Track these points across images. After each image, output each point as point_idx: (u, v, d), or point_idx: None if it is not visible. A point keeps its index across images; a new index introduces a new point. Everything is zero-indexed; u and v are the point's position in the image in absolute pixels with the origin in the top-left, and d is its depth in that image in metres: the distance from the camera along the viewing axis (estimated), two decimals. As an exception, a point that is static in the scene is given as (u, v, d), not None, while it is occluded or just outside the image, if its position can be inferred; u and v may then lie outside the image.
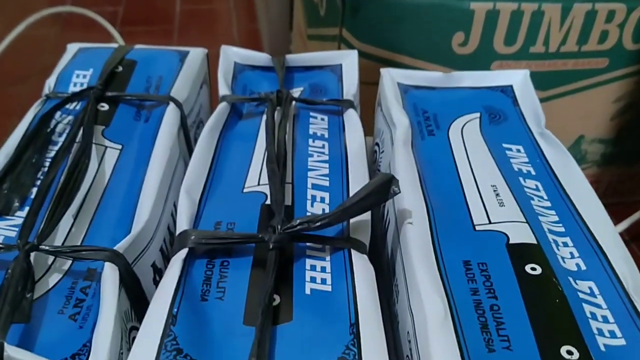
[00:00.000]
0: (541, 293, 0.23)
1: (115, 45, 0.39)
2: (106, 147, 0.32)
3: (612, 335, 0.22)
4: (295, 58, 0.38)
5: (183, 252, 0.25)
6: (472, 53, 0.50)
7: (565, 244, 0.26)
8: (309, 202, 0.28)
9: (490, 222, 0.27)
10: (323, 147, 0.32)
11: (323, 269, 0.25)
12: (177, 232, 0.26)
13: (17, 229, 0.27)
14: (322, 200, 0.28)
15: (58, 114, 0.33)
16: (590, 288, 0.24)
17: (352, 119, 0.34)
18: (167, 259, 0.30)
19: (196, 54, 0.39)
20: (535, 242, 0.25)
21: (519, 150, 0.32)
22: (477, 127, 0.33)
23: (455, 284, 0.24)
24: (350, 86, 0.36)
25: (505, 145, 0.32)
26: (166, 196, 0.30)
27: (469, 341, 0.22)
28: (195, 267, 0.25)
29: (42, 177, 0.30)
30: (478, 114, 0.34)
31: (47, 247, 0.25)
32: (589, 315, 0.23)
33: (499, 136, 0.32)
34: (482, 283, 0.24)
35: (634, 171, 0.60)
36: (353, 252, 0.26)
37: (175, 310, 0.23)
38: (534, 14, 0.48)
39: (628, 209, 0.58)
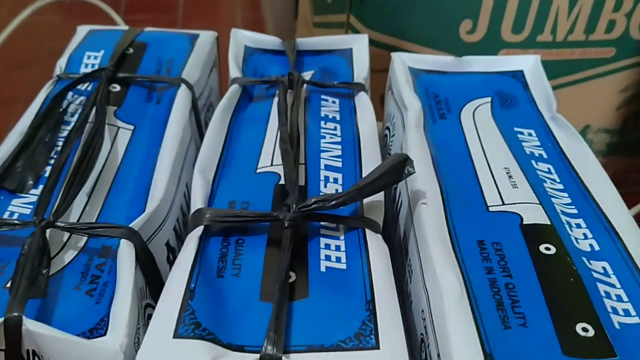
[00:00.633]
0: (556, 272, 0.23)
1: (125, 27, 0.39)
2: (118, 127, 0.32)
3: (627, 313, 0.22)
4: (306, 42, 0.38)
5: (199, 230, 0.25)
6: (480, 41, 0.50)
7: (579, 225, 0.26)
8: (322, 183, 0.28)
9: (503, 203, 0.27)
10: (335, 129, 0.32)
11: (338, 248, 0.25)
12: (192, 211, 0.26)
13: (31, 207, 0.27)
14: (335, 180, 0.29)
15: (70, 94, 0.33)
16: (604, 268, 0.24)
17: (363, 102, 0.34)
18: (180, 238, 0.30)
19: (206, 37, 0.39)
20: (549, 222, 0.26)
21: (530, 134, 0.32)
22: (489, 111, 0.33)
23: (470, 263, 0.24)
24: (361, 70, 0.36)
25: (516, 129, 0.32)
26: (179, 176, 0.30)
27: (485, 318, 0.22)
28: (211, 245, 0.25)
29: (55, 156, 0.30)
30: (489, 99, 0.34)
31: (62, 224, 0.25)
32: (603, 294, 0.23)
33: (510, 120, 0.33)
34: (496, 262, 0.24)
35: (638, 161, 0.61)
36: (367, 231, 0.26)
37: (193, 285, 0.23)
38: (542, 2, 0.48)
39: (633, 199, 0.58)
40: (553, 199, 0.27)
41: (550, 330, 0.21)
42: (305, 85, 0.34)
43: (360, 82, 0.35)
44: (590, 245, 0.25)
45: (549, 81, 0.35)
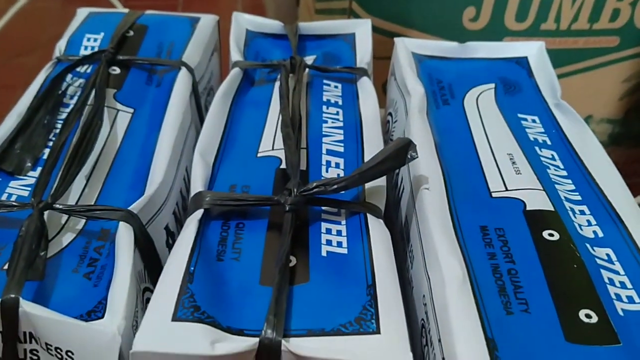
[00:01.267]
0: (559, 258, 0.23)
1: (124, 10, 0.39)
2: (118, 110, 0.31)
3: (630, 300, 0.22)
4: (308, 26, 0.38)
5: (198, 213, 0.25)
6: (483, 29, 0.49)
7: (582, 212, 0.26)
8: (323, 168, 0.28)
9: (506, 189, 0.26)
10: (337, 113, 0.32)
11: (339, 232, 0.25)
12: (192, 194, 0.26)
13: (29, 189, 0.27)
14: (337, 165, 0.28)
15: (69, 76, 0.33)
16: (607, 255, 0.24)
17: (366, 87, 0.33)
18: (179, 222, 0.30)
19: (207, 21, 0.39)
20: (552, 209, 0.25)
21: (534, 121, 0.31)
22: (492, 98, 0.33)
23: (473, 249, 0.24)
24: (364, 55, 0.36)
25: (520, 116, 0.32)
26: (179, 160, 0.30)
27: (487, 304, 0.21)
28: (211, 228, 0.25)
29: (54, 138, 0.29)
30: (493, 85, 0.34)
31: (61, 206, 0.25)
32: (606, 280, 0.23)
33: (514, 106, 0.32)
34: (499, 248, 0.24)
35: (641, 152, 0.60)
36: (369, 216, 0.25)
37: (192, 268, 0.22)
38: (546, -10, 0.47)
39: (636, 189, 0.58)
40: (557, 185, 0.27)
41: (553, 316, 0.21)
42: (307, 69, 0.34)
43: (363, 67, 0.35)
44: (594, 231, 0.25)
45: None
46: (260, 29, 0.38)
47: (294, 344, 0.20)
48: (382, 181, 0.27)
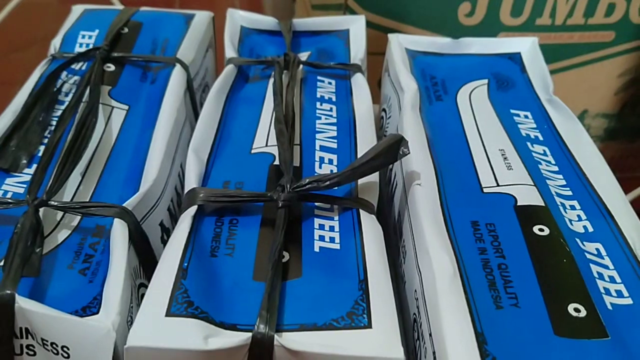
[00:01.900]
0: (549, 253, 0.23)
1: (120, 7, 0.39)
2: (113, 107, 0.32)
3: (619, 294, 0.22)
4: (302, 22, 0.38)
5: (192, 209, 0.25)
6: (478, 24, 0.49)
7: (573, 207, 0.26)
8: (317, 164, 0.28)
9: (498, 185, 0.27)
10: (331, 110, 0.32)
11: (331, 228, 0.25)
12: (186, 190, 0.26)
13: (24, 186, 0.27)
14: (330, 161, 0.28)
15: (64, 73, 0.33)
16: (597, 249, 0.24)
17: (359, 83, 0.33)
18: (174, 219, 0.30)
19: (202, 17, 0.39)
20: (543, 204, 0.25)
21: (526, 116, 0.32)
22: (485, 93, 0.33)
23: (464, 244, 0.24)
24: (358, 51, 0.36)
25: (513, 111, 0.32)
26: (173, 157, 0.30)
27: (477, 298, 0.22)
28: (205, 224, 0.25)
29: (49, 135, 0.29)
30: (486, 80, 0.34)
31: (56, 203, 0.25)
32: (596, 275, 0.23)
33: (506, 102, 0.32)
34: (490, 243, 0.24)
35: (636, 147, 0.61)
36: (362, 212, 0.26)
37: (186, 264, 0.23)
38: (541, -14, 0.48)
39: (630, 184, 0.58)
40: (548, 181, 0.27)
41: (542, 310, 0.21)
42: (301, 65, 0.34)
43: (357, 64, 0.35)
44: (584, 226, 0.25)
45: (547, 65, 0.35)
46: (255, 25, 0.38)
47: (286, 339, 0.20)
48: (374, 177, 0.27)
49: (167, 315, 0.21)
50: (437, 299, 0.22)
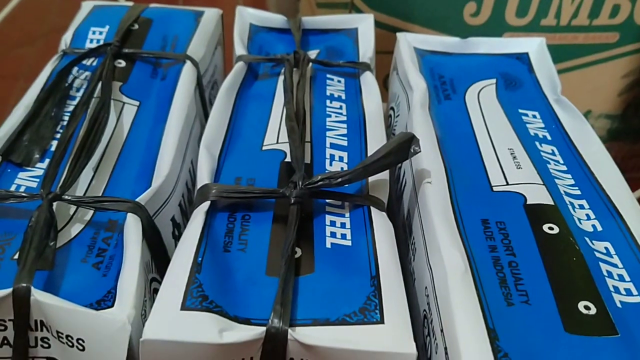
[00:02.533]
0: (559, 251, 0.24)
1: (130, 3, 0.39)
2: (124, 103, 0.32)
3: (628, 293, 0.23)
4: (311, 20, 0.38)
5: (205, 205, 0.25)
6: (484, 24, 0.50)
7: (582, 206, 0.26)
8: (327, 161, 0.28)
9: (507, 184, 0.27)
10: (341, 108, 0.32)
11: (343, 225, 0.25)
12: (198, 186, 0.27)
13: (37, 180, 0.27)
14: (341, 159, 0.29)
15: (75, 69, 0.33)
16: (606, 248, 0.24)
17: (369, 82, 0.34)
18: (185, 214, 0.30)
19: (211, 14, 0.39)
20: (552, 203, 0.26)
21: (534, 116, 0.32)
22: (494, 93, 0.33)
23: (474, 241, 0.24)
24: (367, 50, 0.36)
25: (521, 111, 0.32)
26: (184, 153, 0.30)
27: (489, 295, 0.22)
28: (217, 220, 0.25)
29: (61, 131, 0.30)
30: (494, 80, 0.34)
31: (69, 197, 0.25)
32: (605, 273, 0.23)
33: (514, 102, 0.33)
34: (500, 241, 0.24)
35: (639, 148, 0.61)
36: (372, 209, 0.26)
37: (200, 259, 0.23)
38: (546, -14, 0.48)
39: (633, 185, 0.58)
40: (556, 180, 0.27)
41: (553, 307, 0.21)
42: (310, 64, 0.34)
43: (366, 62, 0.35)
44: (593, 225, 0.25)
45: (553, 65, 0.35)
46: (264, 23, 0.38)
47: (300, 333, 0.20)
48: (385, 175, 0.27)
49: (182, 309, 0.21)
50: (448, 295, 0.22)
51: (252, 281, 0.23)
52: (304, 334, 0.20)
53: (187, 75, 0.34)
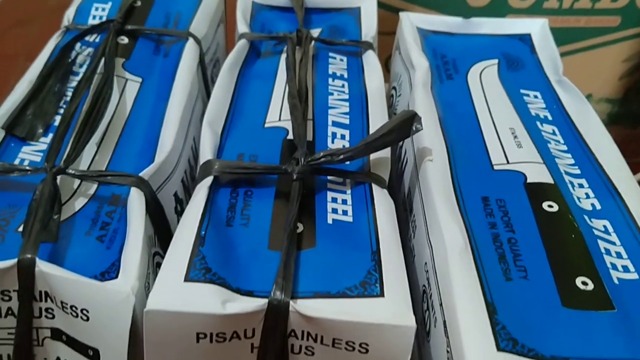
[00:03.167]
0: (557, 228, 0.24)
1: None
2: (127, 79, 0.32)
3: (625, 269, 0.23)
4: (314, -1, 0.38)
5: (208, 180, 0.25)
6: (486, 6, 0.50)
7: (581, 185, 0.27)
8: (329, 139, 0.29)
9: (508, 162, 0.27)
10: (343, 86, 0.32)
11: (344, 202, 0.26)
12: (201, 162, 0.27)
13: (41, 154, 0.27)
14: (343, 137, 0.29)
15: (78, 45, 0.33)
16: (604, 226, 0.25)
17: (371, 60, 0.34)
18: (187, 191, 0.30)
19: (214, -8, 0.39)
20: (552, 182, 0.26)
21: (536, 97, 0.32)
22: (496, 73, 0.33)
23: (474, 218, 0.24)
24: (369, 29, 0.36)
25: (522, 91, 0.32)
26: (187, 129, 0.31)
27: (488, 270, 0.22)
28: (220, 195, 0.25)
29: (64, 106, 0.30)
30: (496, 60, 0.34)
31: (73, 171, 0.26)
32: (603, 250, 0.23)
33: (516, 82, 0.33)
34: (500, 218, 0.24)
35: (639, 132, 0.61)
36: (374, 186, 0.26)
37: (203, 232, 0.23)
38: (550, -32, 0.48)
39: (633, 169, 0.59)
40: (557, 159, 0.28)
41: (551, 282, 0.22)
42: (313, 42, 0.34)
43: (368, 41, 0.35)
44: (592, 204, 0.26)
45: (555, 48, 0.35)
46: (267, 1, 0.38)
47: (301, 305, 0.21)
48: (386, 152, 0.28)
49: (185, 280, 0.21)
50: (448, 270, 0.22)
51: (254, 255, 0.23)
52: (306, 306, 0.21)
53: (189, 53, 0.34)
